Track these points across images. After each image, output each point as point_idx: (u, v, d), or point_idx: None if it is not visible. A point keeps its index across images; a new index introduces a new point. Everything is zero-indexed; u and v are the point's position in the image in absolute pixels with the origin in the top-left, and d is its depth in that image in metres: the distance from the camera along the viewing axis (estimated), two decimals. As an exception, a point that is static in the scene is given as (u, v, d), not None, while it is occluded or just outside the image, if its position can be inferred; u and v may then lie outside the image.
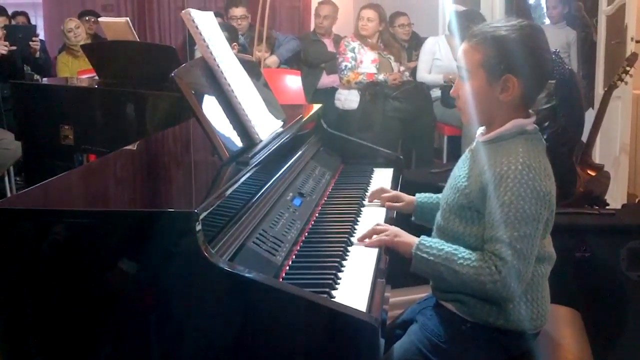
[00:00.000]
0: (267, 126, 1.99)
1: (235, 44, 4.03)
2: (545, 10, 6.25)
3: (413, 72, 5.37)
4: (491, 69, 1.61)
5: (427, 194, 2.04)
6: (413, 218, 2.05)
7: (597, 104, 3.83)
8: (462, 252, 1.59)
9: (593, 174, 3.41)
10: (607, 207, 3.15)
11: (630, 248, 2.60)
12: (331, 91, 5.38)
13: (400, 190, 2.24)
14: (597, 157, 4.12)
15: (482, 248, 1.58)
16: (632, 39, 4.04)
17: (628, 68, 3.46)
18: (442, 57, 5.05)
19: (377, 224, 1.82)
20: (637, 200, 4.15)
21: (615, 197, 4.01)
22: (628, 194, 4.22)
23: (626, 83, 3.55)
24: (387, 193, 2.15)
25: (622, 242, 2.61)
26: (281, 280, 1.52)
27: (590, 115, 3.74)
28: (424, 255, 1.63)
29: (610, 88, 3.51)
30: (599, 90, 4.36)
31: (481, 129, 1.73)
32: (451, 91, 1.74)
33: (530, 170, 1.54)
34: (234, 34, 4.25)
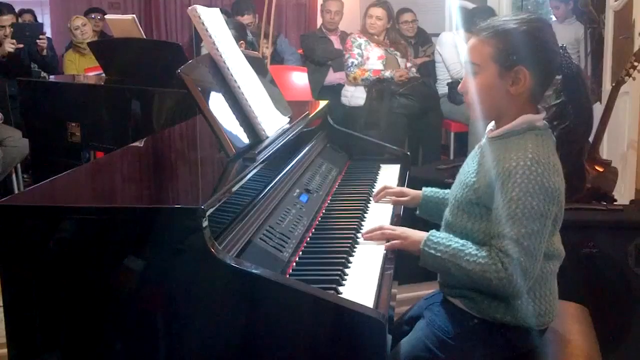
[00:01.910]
0: (273, 122, 1.99)
1: (242, 41, 4.02)
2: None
3: (421, 68, 5.35)
4: (503, 61, 1.60)
5: (434, 188, 2.02)
6: (417, 212, 2.04)
7: (604, 100, 3.81)
8: (469, 249, 1.58)
9: (600, 169, 3.39)
10: (615, 203, 3.14)
11: (638, 244, 2.59)
12: (338, 88, 5.37)
13: (407, 187, 2.24)
14: (604, 152, 4.09)
15: (490, 244, 1.58)
16: (639, 34, 4.01)
17: (636, 63, 3.43)
18: (461, 51, 5.04)
19: (384, 226, 1.78)
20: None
21: (623, 193, 3.98)
22: (636, 190, 4.20)
23: (634, 78, 3.52)
24: (390, 189, 2.15)
25: (629, 238, 2.61)
26: (288, 276, 1.52)
27: (597, 111, 3.71)
28: (432, 251, 1.62)
29: (618, 83, 3.49)
30: (607, 85, 4.33)
31: (491, 125, 1.72)
32: (459, 87, 1.73)
33: (538, 166, 1.53)
34: (242, 31, 4.24)
